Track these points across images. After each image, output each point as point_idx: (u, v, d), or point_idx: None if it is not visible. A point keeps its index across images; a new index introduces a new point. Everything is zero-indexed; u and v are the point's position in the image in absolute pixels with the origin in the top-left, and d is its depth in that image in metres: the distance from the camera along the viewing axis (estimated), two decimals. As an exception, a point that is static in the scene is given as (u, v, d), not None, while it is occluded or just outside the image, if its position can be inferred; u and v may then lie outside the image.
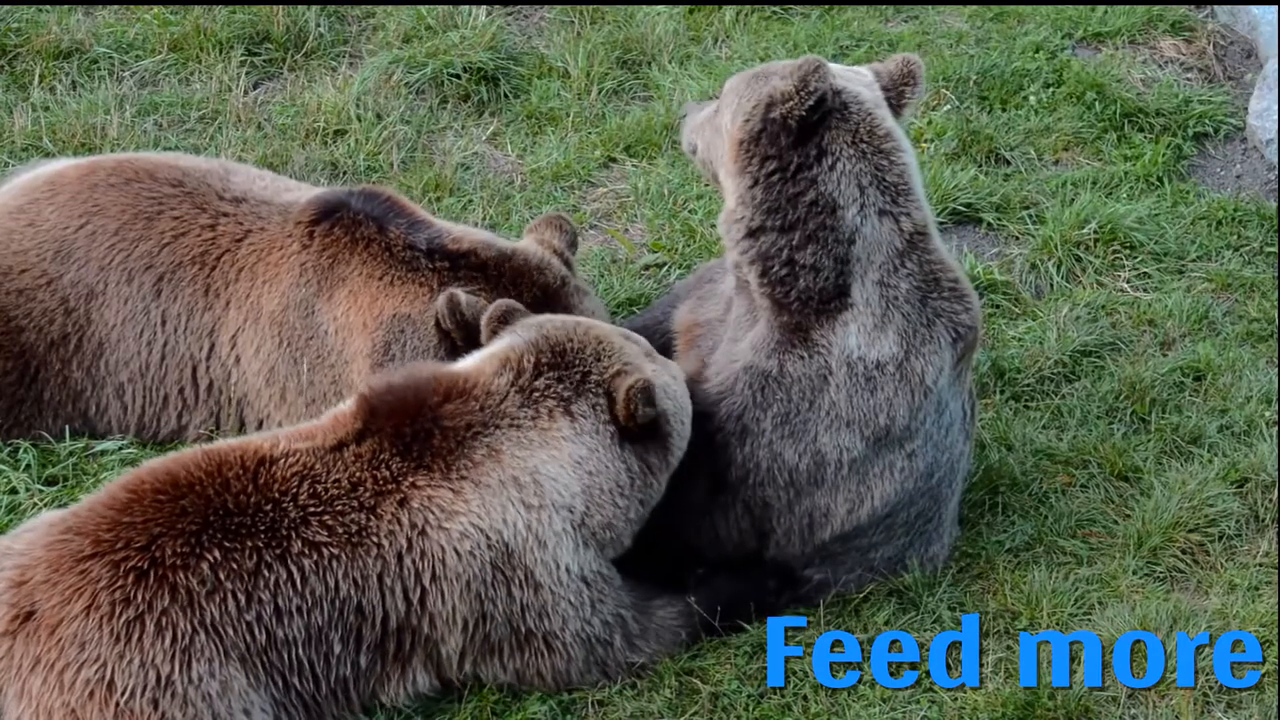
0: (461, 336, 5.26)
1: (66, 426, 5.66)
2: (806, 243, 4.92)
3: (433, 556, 4.55)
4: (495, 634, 4.66)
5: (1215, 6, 8.45)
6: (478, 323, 5.14)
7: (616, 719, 4.79)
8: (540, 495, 4.64)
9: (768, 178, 4.93)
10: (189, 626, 4.31)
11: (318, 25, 7.86)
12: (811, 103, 4.83)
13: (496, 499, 4.61)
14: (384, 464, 4.60)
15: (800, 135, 4.89)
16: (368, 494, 4.55)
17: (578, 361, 4.78)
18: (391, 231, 5.52)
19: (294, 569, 4.44)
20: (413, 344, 5.38)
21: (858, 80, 5.03)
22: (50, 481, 5.49)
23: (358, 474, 4.57)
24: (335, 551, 4.48)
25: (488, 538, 4.59)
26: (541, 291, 5.50)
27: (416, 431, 4.63)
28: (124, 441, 5.64)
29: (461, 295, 5.24)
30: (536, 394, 4.73)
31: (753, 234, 4.98)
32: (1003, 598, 5.26)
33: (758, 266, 5.00)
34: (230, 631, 4.36)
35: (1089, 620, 5.15)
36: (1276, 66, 7.71)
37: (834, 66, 5.03)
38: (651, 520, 4.98)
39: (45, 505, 5.30)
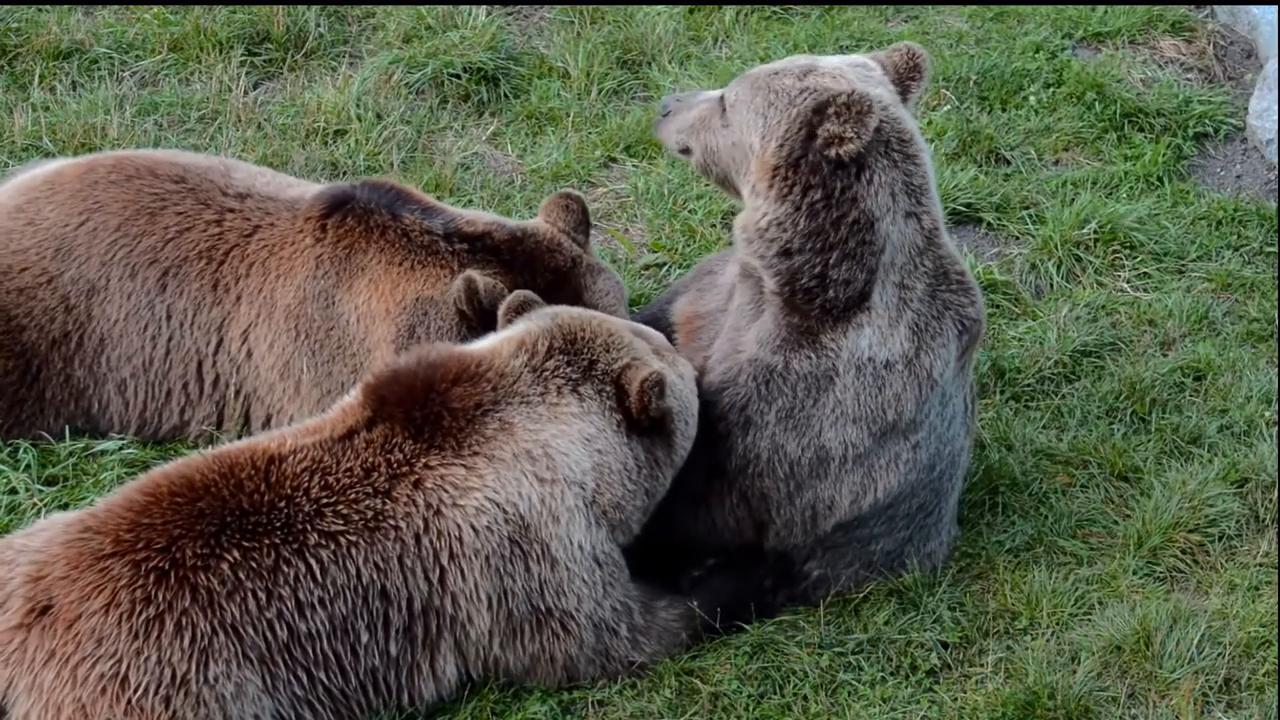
0: (477, 319, 5.29)
1: (67, 425, 5.66)
2: (843, 260, 4.90)
3: (449, 535, 4.60)
4: (517, 612, 4.70)
5: (1215, 6, 8.46)
6: (493, 307, 5.20)
7: (616, 719, 4.80)
8: (553, 469, 4.69)
9: (810, 206, 4.86)
10: (209, 627, 4.34)
11: (318, 25, 7.86)
12: (868, 139, 4.78)
13: (510, 472, 4.66)
14: (396, 448, 4.65)
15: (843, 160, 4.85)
16: (382, 478, 4.60)
17: (586, 350, 4.85)
18: (406, 218, 5.55)
19: (312, 561, 4.47)
20: (436, 324, 5.41)
21: (872, 80, 4.97)
22: (50, 481, 5.48)
23: (370, 460, 4.62)
24: (353, 539, 4.52)
25: (504, 511, 4.64)
26: (554, 274, 5.55)
27: (426, 415, 4.68)
28: (124, 441, 5.64)
29: (479, 278, 5.28)
30: (546, 373, 4.80)
31: (787, 253, 4.94)
32: (1003, 598, 5.26)
33: (782, 277, 4.97)
34: (250, 631, 4.39)
35: (1089, 620, 5.15)
36: (1276, 66, 7.71)
37: (838, 61, 4.99)
38: (652, 516, 5.00)
39: (45, 505, 5.31)
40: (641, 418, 4.80)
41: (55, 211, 5.66)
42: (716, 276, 5.54)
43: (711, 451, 5.07)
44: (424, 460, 4.64)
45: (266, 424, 5.62)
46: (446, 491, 4.61)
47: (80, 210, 5.65)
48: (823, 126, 4.79)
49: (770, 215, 4.91)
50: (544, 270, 5.53)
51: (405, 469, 4.63)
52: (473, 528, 4.61)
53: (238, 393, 5.64)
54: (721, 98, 5.10)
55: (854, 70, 4.98)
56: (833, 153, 4.79)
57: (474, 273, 5.31)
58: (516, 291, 5.13)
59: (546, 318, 4.94)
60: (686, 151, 5.26)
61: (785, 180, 4.87)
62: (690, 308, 5.53)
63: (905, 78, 5.05)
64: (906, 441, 5.07)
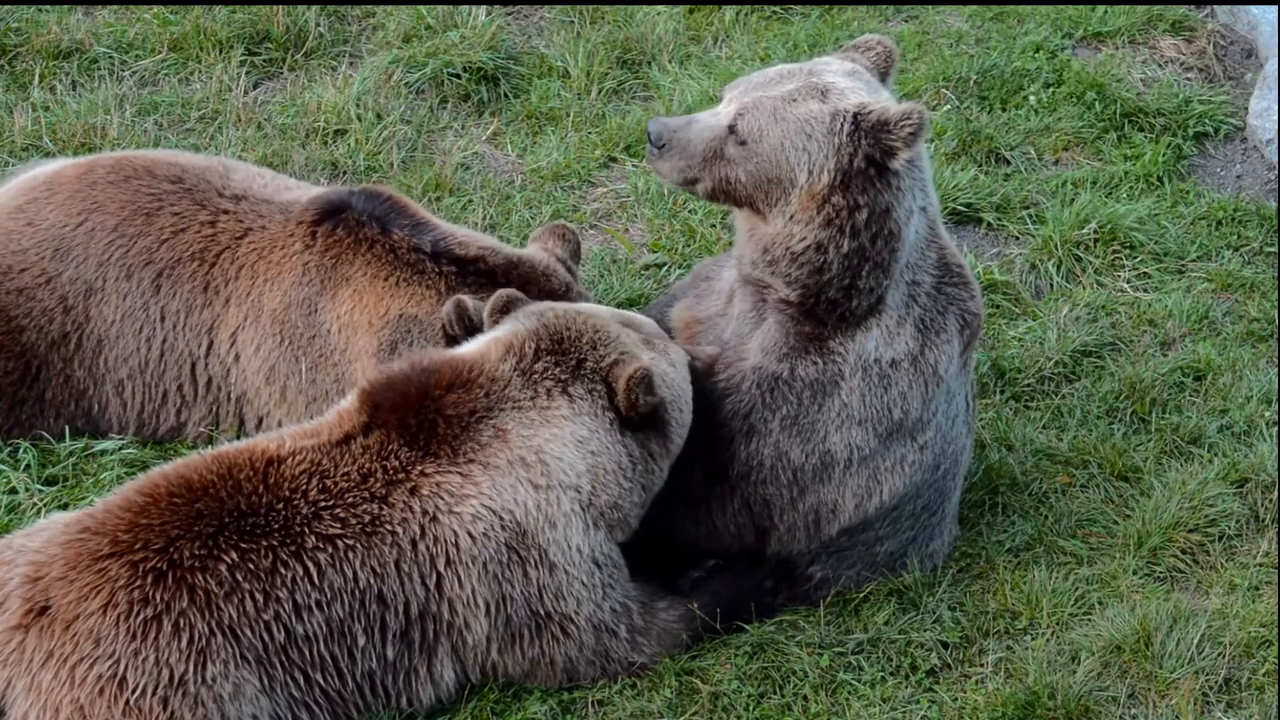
0: (466, 338, 5.29)
1: (67, 426, 5.66)
2: (873, 271, 4.89)
3: (445, 541, 4.59)
4: (516, 617, 4.70)
5: (1215, 6, 8.46)
6: (484, 326, 5.18)
7: (616, 719, 4.80)
8: (547, 475, 4.69)
9: (853, 226, 4.84)
10: (206, 628, 4.34)
11: (318, 25, 7.86)
12: (920, 148, 4.79)
13: (506, 479, 4.66)
14: (392, 454, 4.64)
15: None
16: (378, 484, 4.60)
17: (574, 349, 4.84)
18: (395, 233, 5.55)
19: (309, 563, 4.47)
20: (419, 345, 5.40)
21: (873, 86, 4.96)
22: (50, 481, 5.49)
23: (367, 465, 4.62)
24: (350, 542, 4.52)
25: (500, 519, 4.64)
26: (547, 297, 5.51)
27: (421, 422, 4.68)
28: (123, 441, 5.64)
29: (469, 301, 5.27)
30: (535, 376, 4.79)
31: (820, 271, 4.91)
32: (1003, 598, 5.26)
33: (807, 291, 4.94)
34: (248, 632, 4.39)
35: (1089, 620, 5.15)
36: (1276, 66, 7.71)
37: (836, 71, 4.97)
38: (651, 516, 5.00)
39: (45, 505, 5.31)
40: (631, 415, 4.79)
41: (54, 212, 5.66)
42: (714, 282, 5.52)
43: (713, 458, 5.06)
44: (420, 468, 4.64)
45: (259, 426, 5.62)
46: (443, 499, 4.61)
47: (79, 211, 5.65)
48: (880, 145, 4.75)
49: (810, 240, 4.88)
50: (537, 293, 5.49)
51: (401, 476, 4.62)
52: (469, 534, 4.61)
53: (230, 395, 5.64)
54: (731, 127, 4.92)
55: (857, 79, 4.95)
56: (895, 165, 4.77)
57: (463, 296, 5.30)
58: (500, 290, 5.09)
59: (533, 317, 4.92)
60: (692, 183, 5.05)
61: (834, 206, 4.82)
62: (689, 313, 5.51)
63: (884, 73, 5.08)
64: (914, 443, 5.06)
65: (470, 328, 5.25)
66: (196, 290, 5.60)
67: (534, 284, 5.52)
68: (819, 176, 4.82)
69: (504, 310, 5.02)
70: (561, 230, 5.77)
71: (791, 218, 4.90)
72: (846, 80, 4.88)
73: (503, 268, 5.53)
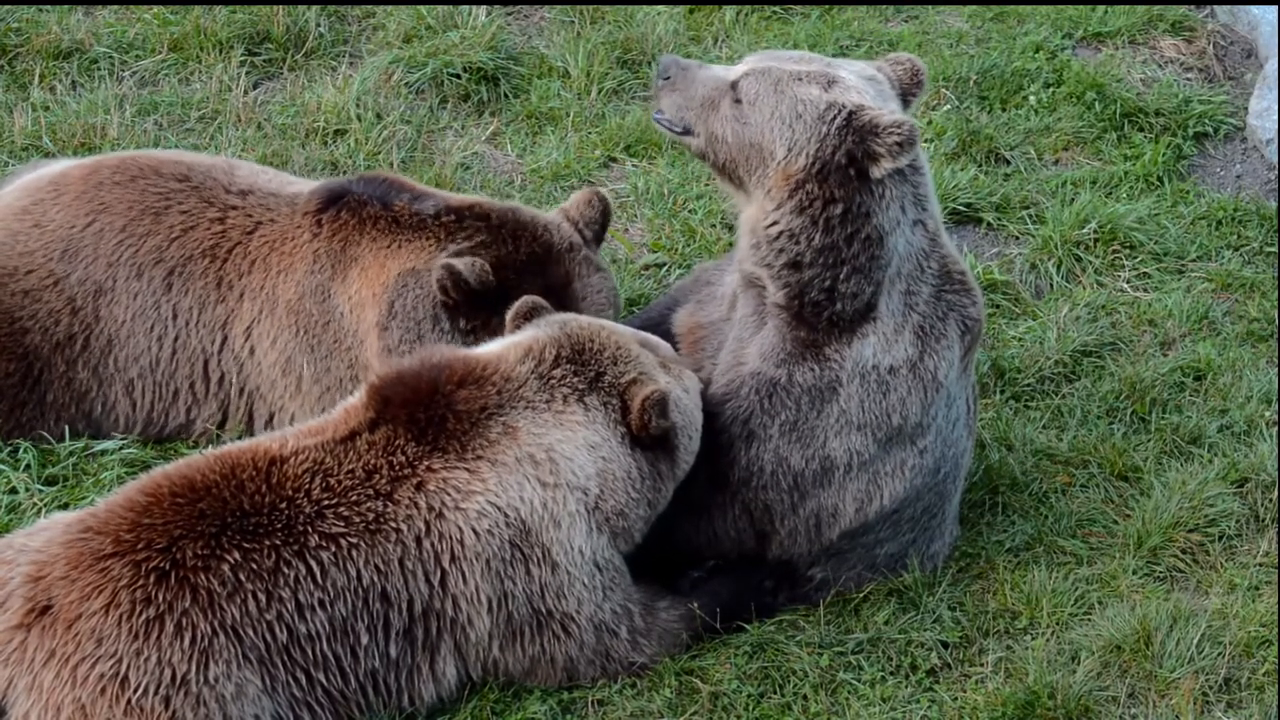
0: (466, 303, 5.32)
1: (67, 428, 5.65)
2: (852, 275, 4.90)
3: (451, 538, 4.60)
4: (518, 614, 4.70)
5: (1215, 6, 8.46)
6: (480, 285, 5.22)
7: (616, 719, 4.80)
8: (556, 473, 4.69)
9: (827, 220, 4.85)
10: (209, 628, 4.35)
11: (318, 25, 7.86)
12: (904, 164, 4.79)
13: (513, 476, 4.66)
14: (399, 450, 4.64)
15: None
16: (384, 480, 4.60)
17: (594, 361, 4.85)
18: (396, 205, 5.57)
19: (312, 563, 4.48)
20: (414, 294, 5.40)
21: (885, 95, 4.97)
22: (50, 481, 5.49)
23: (372, 461, 4.62)
24: (354, 540, 4.52)
25: (505, 515, 4.64)
26: (543, 249, 5.53)
27: (430, 417, 4.68)
28: (124, 441, 5.63)
29: (458, 263, 5.27)
30: (553, 381, 4.80)
31: (796, 266, 4.93)
32: (1003, 598, 5.27)
33: (791, 290, 4.96)
34: (250, 632, 4.39)
35: (1089, 620, 5.16)
36: (1276, 66, 7.71)
37: (855, 72, 4.98)
38: (653, 526, 4.99)
39: (45, 505, 5.31)
40: (642, 435, 4.81)
41: (61, 213, 5.66)
42: (715, 288, 5.53)
43: (713, 464, 5.06)
44: (426, 463, 4.64)
45: (269, 422, 5.62)
46: (449, 495, 4.61)
47: (86, 211, 5.65)
48: (864, 146, 4.76)
49: (782, 225, 4.90)
50: (530, 241, 5.50)
51: (408, 471, 4.63)
52: (474, 531, 4.61)
53: (241, 391, 5.65)
54: (735, 85, 4.97)
55: (871, 85, 4.96)
56: (874, 173, 4.78)
57: (451, 260, 5.29)
58: (525, 297, 5.11)
59: (555, 325, 4.94)
60: (687, 132, 5.09)
61: (807, 193, 4.84)
62: (692, 318, 5.52)
63: (908, 92, 5.09)
64: (913, 447, 5.07)
65: (466, 289, 5.25)
66: (209, 287, 5.61)
67: (530, 231, 5.52)
68: (796, 157, 4.84)
69: (527, 316, 5.03)
70: (589, 196, 5.74)
71: (768, 193, 4.92)
72: (858, 81, 4.90)
73: (499, 213, 5.53)
